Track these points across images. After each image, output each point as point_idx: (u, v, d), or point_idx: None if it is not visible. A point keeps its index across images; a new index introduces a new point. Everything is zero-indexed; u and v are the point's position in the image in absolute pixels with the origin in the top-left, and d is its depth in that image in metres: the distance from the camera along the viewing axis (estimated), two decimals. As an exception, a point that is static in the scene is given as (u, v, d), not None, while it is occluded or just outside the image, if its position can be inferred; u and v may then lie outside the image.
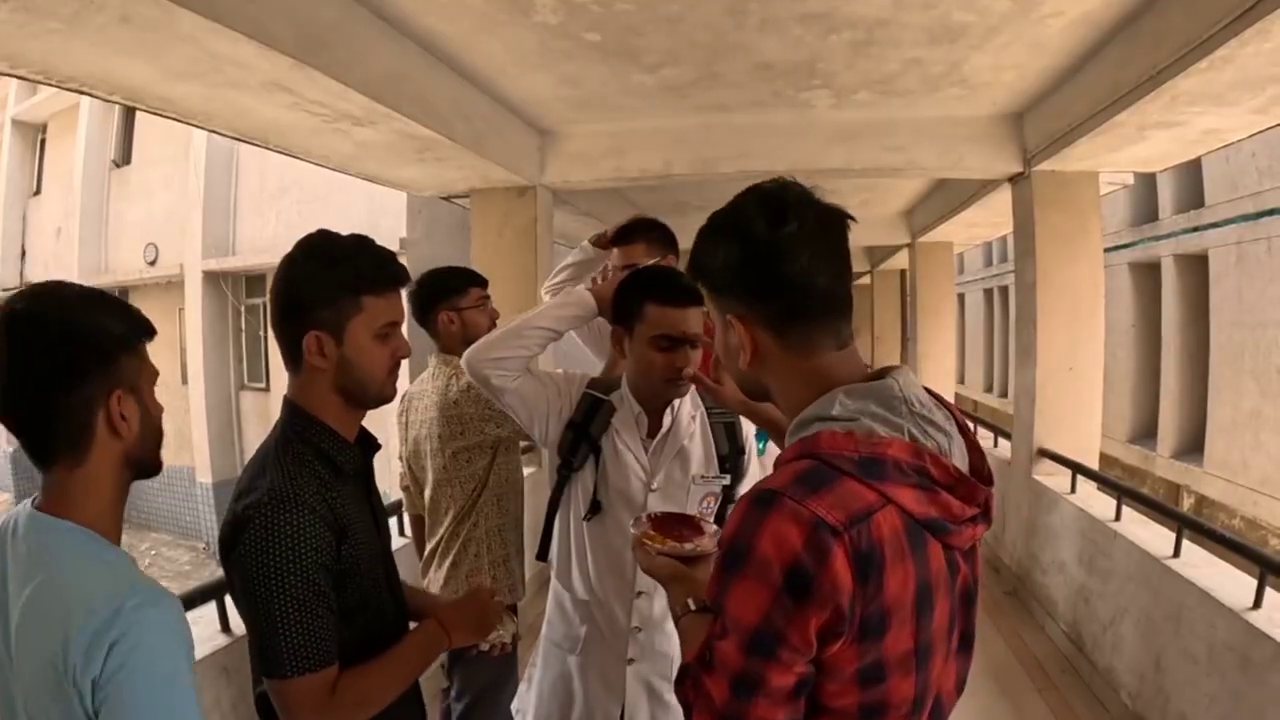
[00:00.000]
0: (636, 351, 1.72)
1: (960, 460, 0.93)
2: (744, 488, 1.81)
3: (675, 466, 1.78)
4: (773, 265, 0.92)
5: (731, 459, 1.85)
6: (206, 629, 2.26)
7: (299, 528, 1.15)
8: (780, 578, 0.79)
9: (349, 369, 1.24)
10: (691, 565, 1.20)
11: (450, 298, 2.44)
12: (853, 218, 0.97)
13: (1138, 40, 3.15)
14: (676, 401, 1.79)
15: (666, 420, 1.79)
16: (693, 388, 1.77)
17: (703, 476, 1.77)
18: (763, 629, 0.80)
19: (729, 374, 1.16)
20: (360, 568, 1.25)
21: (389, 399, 1.32)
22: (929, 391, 0.98)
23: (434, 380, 2.43)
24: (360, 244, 1.25)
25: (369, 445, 1.37)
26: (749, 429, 1.92)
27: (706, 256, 0.99)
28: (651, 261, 2.17)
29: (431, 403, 2.39)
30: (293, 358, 1.25)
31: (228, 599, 2.30)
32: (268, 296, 1.39)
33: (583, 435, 1.78)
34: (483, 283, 2.55)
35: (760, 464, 2.04)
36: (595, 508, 1.77)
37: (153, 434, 1.07)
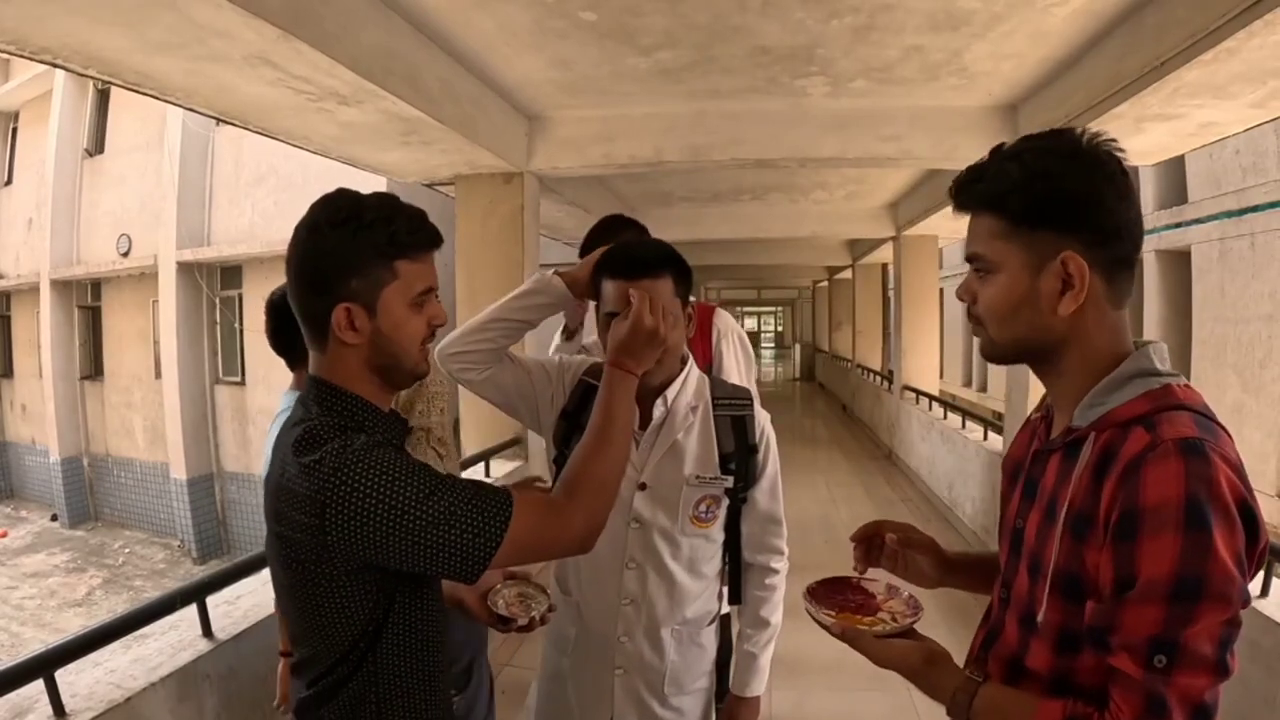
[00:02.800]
0: (604, 331, 1.52)
1: None
2: (762, 490, 1.63)
3: (668, 463, 1.56)
4: (1128, 208, 0.90)
5: (740, 458, 1.59)
6: (188, 633, 2.16)
7: (382, 446, 1.04)
8: (1239, 516, 0.79)
9: (384, 343, 1.11)
10: (923, 643, 1.03)
11: None
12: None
13: (1140, 31, 3.13)
14: (673, 389, 1.56)
15: (658, 411, 1.56)
16: (692, 370, 1.60)
17: (698, 477, 1.55)
18: (1239, 569, 0.79)
19: (1006, 332, 0.97)
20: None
21: (423, 374, 1.19)
22: None
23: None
24: (390, 203, 1.11)
25: (398, 420, 1.24)
26: (764, 423, 1.66)
27: (1038, 177, 0.91)
28: None
29: (444, 379, 2.52)
30: (318, 335, 1.11)
31: (209, 600, 2.21)
32: (286, 268, 1.30)
33: (574, 425, 1.61)
34: None
35: None
36: None
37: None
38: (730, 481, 1.59)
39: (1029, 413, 1.13)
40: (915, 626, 1.06)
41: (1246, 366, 8.57)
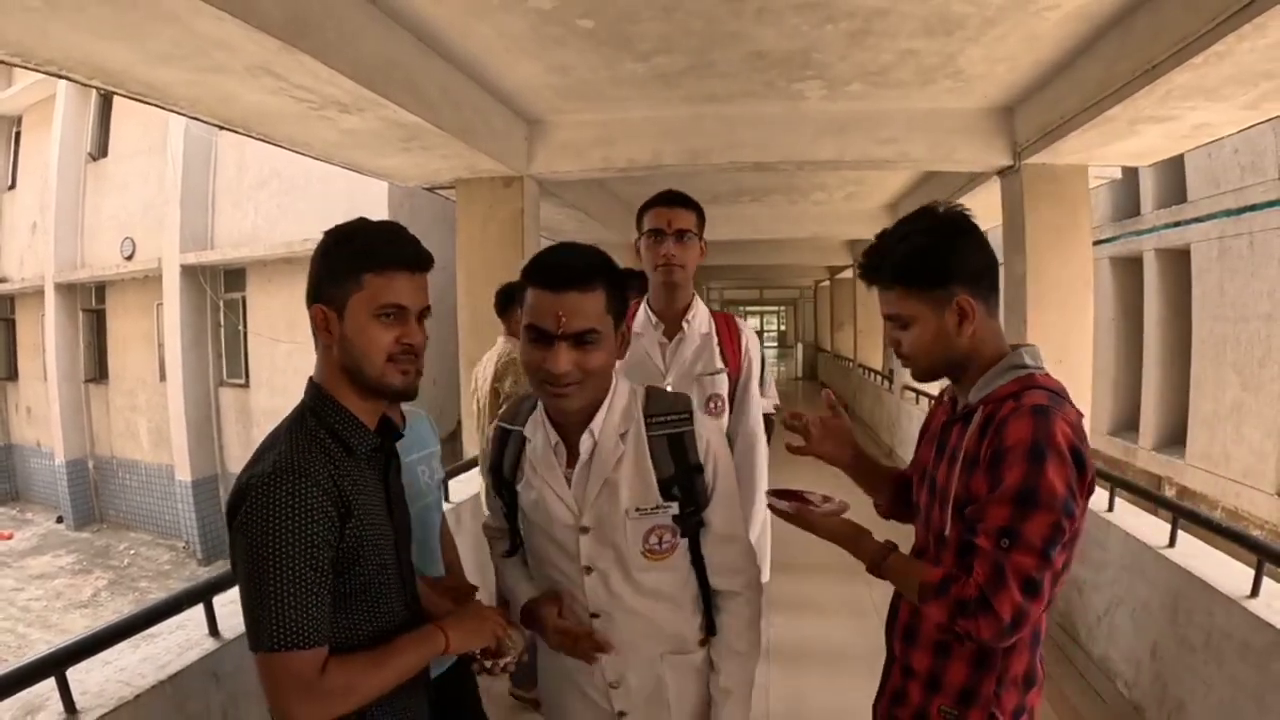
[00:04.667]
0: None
1: None
2: (715, 511, 1.44)
3: (605, 500, 1.40)
4: (983, 250, 1.33)
5: (682, 481, 1.41)
6: (195, 633, 2.19)
7: (301, 498, 1.13)
8: (1070, 457, 1.18)
9: (349, 346, 1.23)
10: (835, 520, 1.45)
11: None
12: None
13: (1133, 34, 3.16)
14: (599, 418, 1.40)
15: (585, 444, 1.40)
16: (619, 388, 1.44)
17: (638, 510, 1.39)
18: (1068, 495, 1.17)
19: (927, 362, 1.38)
20: (364, 551, 1.21)
21: (392, 389, 1.24)
22: None
23: (501, 345, 3.41)
24: (379, 227, 1.28)
25: (388, 430, 1.34)
26: (709, 435, 1.45)
27: (951, 255, 1.30)
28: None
29: (491, 366, 3.38)
30: (313, 335, 1.28)
31: (216, 600, 2.24)
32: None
33: (500, 478, 1.51)
34: None
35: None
36: (512, 551, 1.60)
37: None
38: (675, 508, 1.40)
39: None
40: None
41: (1246, 365, 8.59)
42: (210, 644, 2.15)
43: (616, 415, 1.41)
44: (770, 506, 1.47)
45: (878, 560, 1.36)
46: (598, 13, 3.09)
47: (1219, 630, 2.53)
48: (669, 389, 2.04)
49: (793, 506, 1.44)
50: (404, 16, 3.15)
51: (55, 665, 1.77)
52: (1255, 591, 2.47)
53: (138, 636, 2.04)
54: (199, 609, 2.20)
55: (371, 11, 3.01)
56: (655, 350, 2.20)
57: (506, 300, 3.48)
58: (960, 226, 1.31)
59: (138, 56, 2.65)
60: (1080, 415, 1.25)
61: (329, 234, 1.27)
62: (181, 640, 2.16)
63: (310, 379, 1.30)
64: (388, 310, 1.23)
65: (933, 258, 1.30)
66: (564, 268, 1.30)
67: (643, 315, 2.24)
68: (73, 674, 1.81)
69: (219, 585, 2.29)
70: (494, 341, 3.51)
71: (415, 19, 3.18)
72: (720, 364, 2.20)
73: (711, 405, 2.16)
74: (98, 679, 1.93)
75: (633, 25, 3.22)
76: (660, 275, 2.14)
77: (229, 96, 3.09)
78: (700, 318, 2.22)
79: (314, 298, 1.24)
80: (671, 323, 2.21)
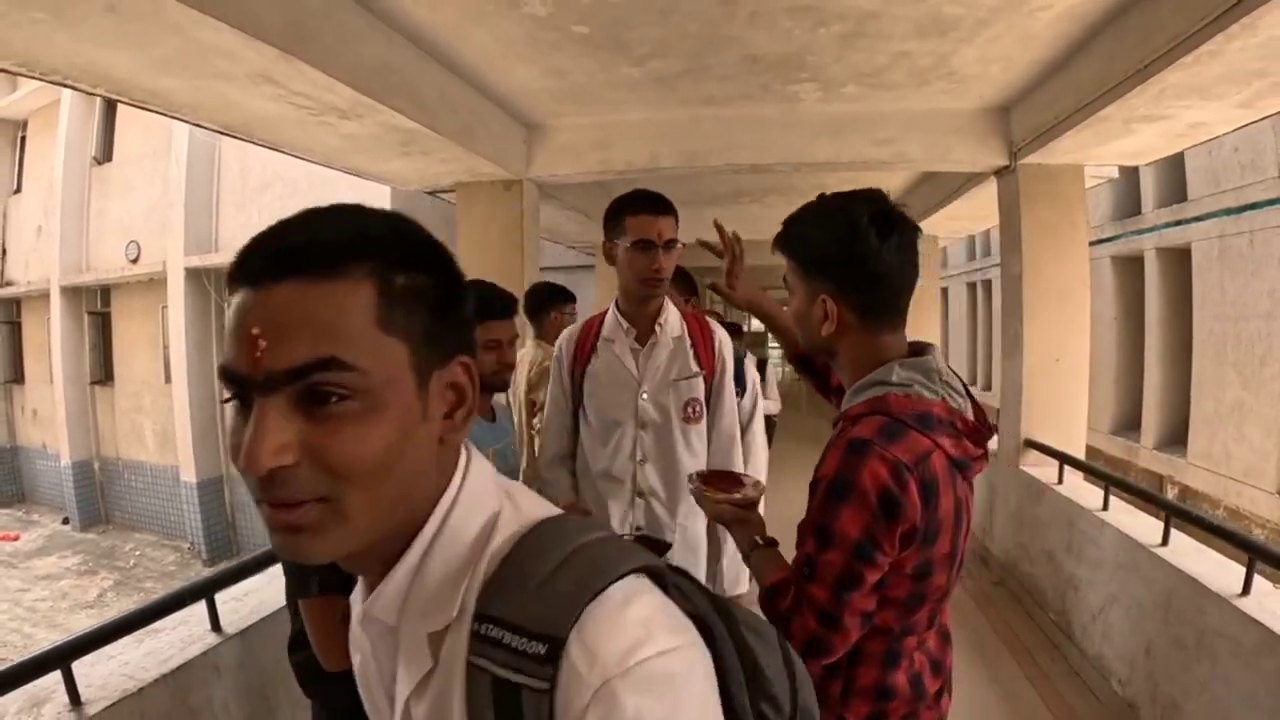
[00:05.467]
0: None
1: (969, 416, 1.23)
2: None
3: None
4: (873, 264, 1.17)
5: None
6: (197, 628, 2.24)
7: None
8: (876, 502, 1.09)
9: None
10: (745, 511, 1.44)
11: (562, 303, 3.52)
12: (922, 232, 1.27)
13: (1125, 34, 3.18)
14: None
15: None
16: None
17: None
18: (863, 540, 1.10)
19: (801, 336, 1.33)
20: None
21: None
22: None
23: (533, 352, 3.39)
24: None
25: None
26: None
27: (812, 243, 1.23)
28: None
29: (524, 370, 3.35)
30: None
31: (218, 597, 2.29)
32: None
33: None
34: (574, 299, 3.62)
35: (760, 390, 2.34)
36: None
37: None
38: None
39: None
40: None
41: (1246, 364, 8.57)
42: (212, 639, 2.20)
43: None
44: (689, 481, 1.55)
45: (745, 552, 1.38)
46: (592, 18, 3.12)
47: (1211, 629, 2.55)
48: (645, 397, 2.09)
49: (694, 488, 1.49)
50: (401, 23, 3.19)
51: (61, 659, 1.81)
52: (1246, 590, 2.49)
53: (141, 631, 2.09)
54: (201, 605, 2.24)
55: (369, 19, 3.05)
56: (628, 356, 2.11)
57: (538, 302, 3.43)
58: (854, 235, 1.18)
59: (140, 65, 2.70)
60: (929, 449, 1.13)
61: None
62: (184, 635, 2.20)
63: None
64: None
65: (814, 248, 1.24)
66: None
67: (611, 320, 2.15)
68: (78, 667, 1.85)
69: (221, 582, 2.34)
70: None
71: (412, 26, 3.22)
72: (695, 367, 2.12)
73: (690, 410, 2.10)
74: (102, 672, 1.97)
75: (627, 30, 3.25)
76: (647, 288, 2.05)
77: (231, 103, 3.13)
78: (672, 321, 2.15)
79: None
80: (644, 327, 2.12)
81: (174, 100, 3.08)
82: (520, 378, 3.37)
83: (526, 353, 3.40)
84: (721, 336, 2.24)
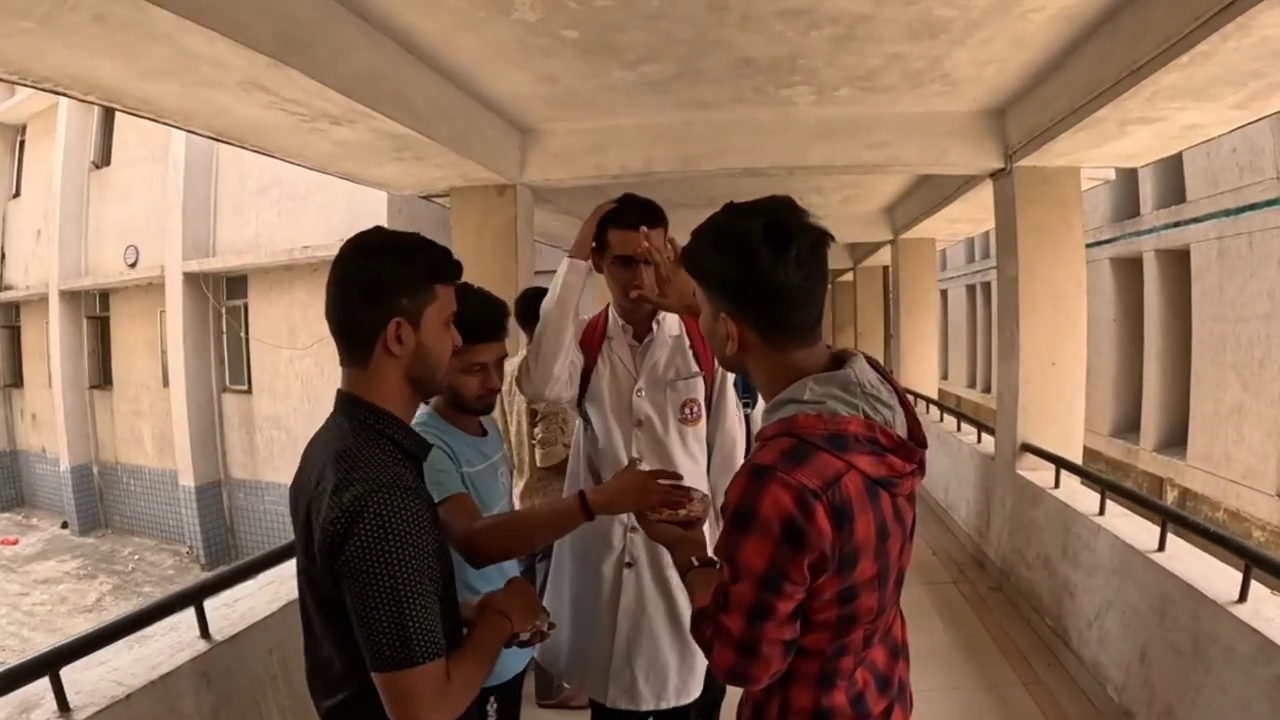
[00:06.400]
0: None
1: (901, 429, 1.16)
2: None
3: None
4: (768, 283, 1.10)
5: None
6: (186, 634, 2.23)
7: (413, 513, 1.14)
8: (779, 532, 1.02)
9: (424, 356, 1.28)
10: (688, 528, 1.43)
11: None
12: (833, 238, 1.15)
13: (1118, 35, 3.16)
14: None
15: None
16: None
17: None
18: (769, 571, 1.04)
19: (715, 353, 1.27)
20: (443, 552, 1.27)
21: (444, 390, 1.52)
22: (876, 369, 1.19)
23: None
24: (423, 239, 1.32)
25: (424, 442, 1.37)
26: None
27: (707, 260, 1.17)
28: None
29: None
30: (363, 349, 1.25)
31: (207, 604, 2.28)
32: (331, 284, 1.31)
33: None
34: None
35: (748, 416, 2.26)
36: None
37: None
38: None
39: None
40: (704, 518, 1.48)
41: (1246, 365, 8.56)
42: (201, 645, 2.20)
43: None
44: None
45: (682, 572, 1.36)
46: (582, 23, 3.11)
47: (1206, 635, 2.54)
48: (641, 394, 2.04)
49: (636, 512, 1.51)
50: (392, 30, 3.18)
51: (49, 665, 1.81)
52: (1243, 597, 2.48)
53: (132, 637, 2.08)
54: (190, 611, 2.23)
55: (360, 26, 3.04)
56: (626, 354, 2.07)
57: (530, 308, 3.19)
58: (744, 252, 1.11)
59: (131, 73, 2.69)
60: (840, 471, 1.05)
61: (382, 249, 1.26)
62: (173, 642, 2.20)
63: (348, 395, 1.27)
64: (449, 319, 1.33)
65: (703, 267, 1.18)
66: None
67: (611, 318, 2.11)
68: (67, 673, 1.85)
69: (210, 588, 2.34)
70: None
71: (403, 32, 3.21)
72: (695, 367, 2.07)
73: (687, 411, 2.05)
74: (91, 678, 1.96)
75: (618, 34, 3.24)
76: (630, 303, 2.00)
77: (222, 110, 3.12)
78: (670, 319, 2.09)
79: (387, 311, 1.23)
80: (641, 325, 2.08)
81: (165, 107, 3.07)
82: (518, 390, 3.27)
83: (521, 362, 3.29)
84: None
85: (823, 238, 1.13)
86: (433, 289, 1.28)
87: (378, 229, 1.31)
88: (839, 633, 1.12)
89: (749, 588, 1.06)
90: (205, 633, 2.24)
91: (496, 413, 3.32)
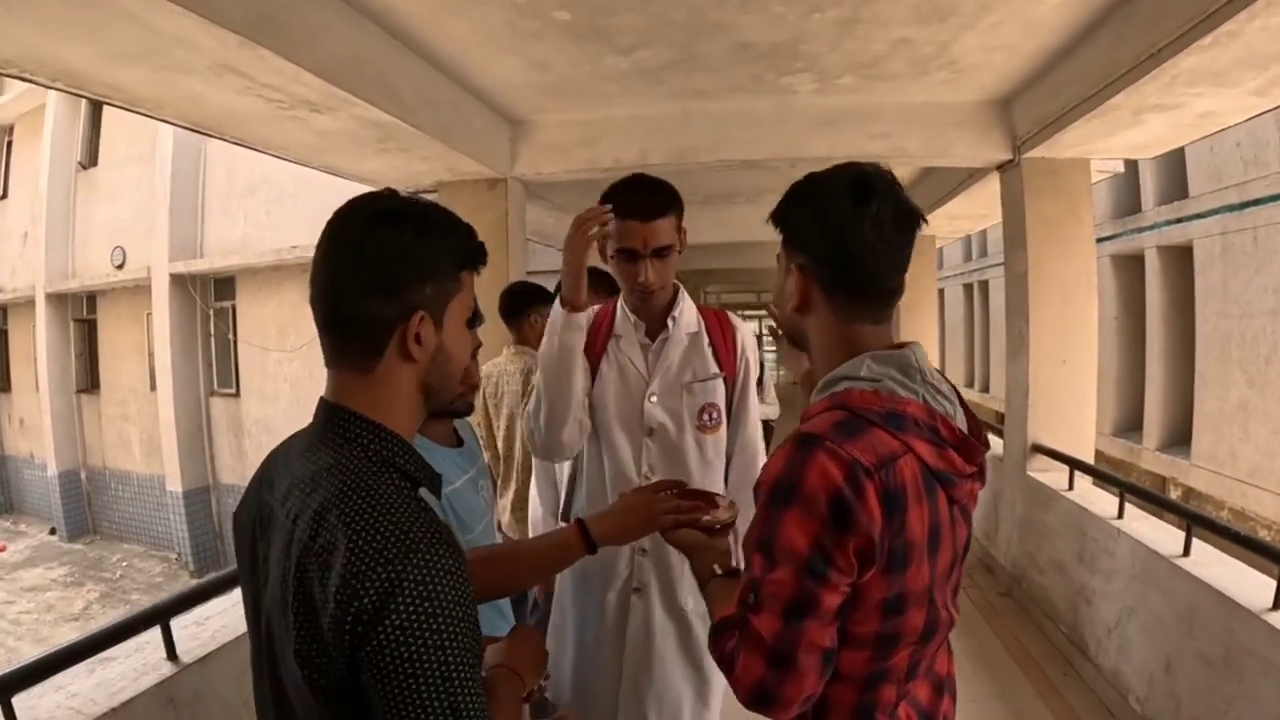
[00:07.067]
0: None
1: (962, 425, 1.06)
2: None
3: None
4: (840, 235, 1.03)
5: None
6: (152, 655, 2.10)
7: (458, 576, 0.85)
8: (825, 508, 0.91)
9: (443, 360, 0.98)
10: (711, 536, 1.30)
11: (541, 304, 2.98)
12: (925, 220, 1.09)
13: (1135, 17, 3.05)
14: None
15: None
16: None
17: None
18: (813, 554, 0.92)
19: (779, 315, 1.20)
20: None
21: (467, 403, 1.35)
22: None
23: (512, 364, 3.07)
24: (444, 210, 0.99)
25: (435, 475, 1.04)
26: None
27: (791, 210, 1.10)
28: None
29: (517, 382, 3.02)
30: (368, 349, 0.94)
31: (174, 623, 2.13)
32: (326, 264, 0.91)
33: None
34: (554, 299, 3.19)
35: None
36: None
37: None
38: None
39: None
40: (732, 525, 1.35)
41: (1251, 362, 8.45)
42: (168, 669, 2.06)
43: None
44: None
45: (702, 582, 1.24)
46: (574, 4, 2.97)
47: (1239, 645, 2.41)
48: (653, 399, 1.81)
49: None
50: (374, 11, 3.04)
51: (0, 692, 1.66)
52: (1278, 604, 2.34)
53: (94, 660, 1.94)
54: (155, 631, 2.09)
55: (339, 6, 2.90)
56: (636, 353, 1.83)
57: (515, 303, 3.05)
58: (825, 206, 1.05)
59: (98, 56, 2.58)
60: (896, 451, 0.95)
61: (403, 220, 0.93)
62: (138, 664, 2.06)
63: (352, 413, 0.94)
64: (470, 314, 1.02)
65: (784, 215, 1.11)
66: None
67: (620, 314, 1.87)
68: (20, 700, 1.71)
69: (177, 606, 2.19)
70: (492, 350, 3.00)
71: (386, 14, 3.06)
72: (715, 368, 1.84)
73: (706, 416, 1.82)
74: (48, 705, 1.83)
75: (610, 17, 3.10)
76: (636, 298, 1.80)
77: (195, 97, 2.99)
78: (688, 314, 1.86)
79: (406, 303, 0.93)
80: (654, 322, 1.84)
81: (136, 94, 2.94)
82: (505, 390, 3.05)
83: (507, 361, 3.08)
84: (745, 334, 1.94)
85: (911, 213, 1.04)
86: (459, 277, 0.97)
87: (391, 192, 0.99)
88: (879, 653, 0.99)
89: (789, 574, 0.93)
90: (172, 654, 2.10)
91: (477, 416, 3.12)
